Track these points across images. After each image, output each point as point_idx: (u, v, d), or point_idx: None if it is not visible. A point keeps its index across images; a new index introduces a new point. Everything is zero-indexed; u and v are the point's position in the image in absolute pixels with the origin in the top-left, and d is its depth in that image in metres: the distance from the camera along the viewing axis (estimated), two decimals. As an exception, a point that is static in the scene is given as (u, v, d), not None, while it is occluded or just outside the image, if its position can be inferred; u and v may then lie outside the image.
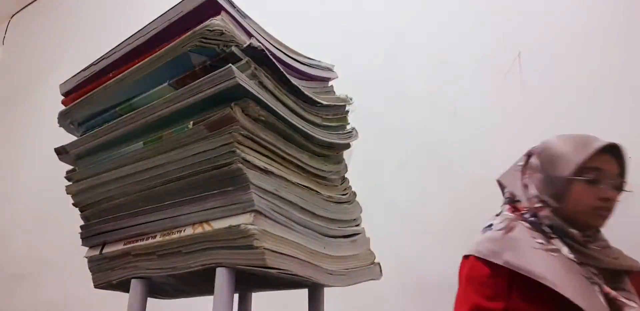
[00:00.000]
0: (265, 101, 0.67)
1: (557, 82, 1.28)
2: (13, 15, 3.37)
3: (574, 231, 0.86)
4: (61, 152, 0.85)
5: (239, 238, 0.62)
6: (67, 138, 0.86)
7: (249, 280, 0.71)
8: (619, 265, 0.86)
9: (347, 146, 0.84)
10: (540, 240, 0.85)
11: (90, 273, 0.82)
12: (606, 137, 0.88)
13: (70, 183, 0.84)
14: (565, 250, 0.84)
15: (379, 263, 0.81)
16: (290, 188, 0.70)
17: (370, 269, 0.79)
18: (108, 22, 2.62)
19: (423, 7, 1.60)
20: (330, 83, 0.87)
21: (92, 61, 0.83)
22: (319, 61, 0.85)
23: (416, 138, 1.46)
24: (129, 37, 0.77)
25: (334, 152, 0.82)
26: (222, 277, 0.63)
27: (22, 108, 2.96)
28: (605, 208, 0.87)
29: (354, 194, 0.84)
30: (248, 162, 0.64)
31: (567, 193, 0.87)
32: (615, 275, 0.86)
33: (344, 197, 0.81)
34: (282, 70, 0.71)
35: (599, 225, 0.88)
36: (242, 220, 0.62)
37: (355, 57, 1.64)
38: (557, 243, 0.85)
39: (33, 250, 2.43)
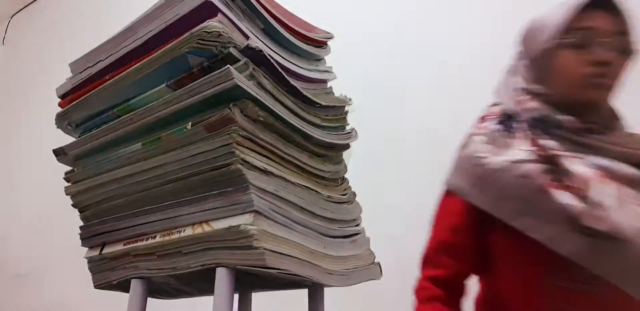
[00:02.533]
0: (264, 101, 0.67)
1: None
2: (13, 15, 3.37)
3: (562, 117, 0.68)
4: (59, 153, 0.85)
5: (239, 238, 0.62)
6: (68, 138, 0.86)
7: (249, 280, 0.71)
8: (635, 155, 0.66)
9: (347, 146, 0.84)
10: (480, 154, 0.70)
11: (90, 274, 0.82)
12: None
13: (70, 184, 0.84)
14: (520, 152, 0.67)
15: (379, 263, 0.81)
16: (289, 189, 0.70)
17: (370, 269, 0.79)
18: (108, 22, 2.61)
19: (423, 6, 1.60)
20: (329, 84, 0.87)
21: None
22: (317, 64, 0.85)
23: (416, 138, 1.45)
24: (126, 40, 0.77)
25: (333, 153, 0.82)
26: (222, 277, 0.63)
27: (22, 108, 2.96)
28: (601, 75, 0.67)
29: (354, 194, 0.84)
30: (247, 162, 0.64)
31: (551, 67, 0.69)
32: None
33: (343, 197, 0.81)
34: (280, 70, 0.71)
35: (597, 98, 0.69)
36: (242, 220, 0.62)
37: (355, 57, 1.63)
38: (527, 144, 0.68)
39: (33, 250, 2.43)
